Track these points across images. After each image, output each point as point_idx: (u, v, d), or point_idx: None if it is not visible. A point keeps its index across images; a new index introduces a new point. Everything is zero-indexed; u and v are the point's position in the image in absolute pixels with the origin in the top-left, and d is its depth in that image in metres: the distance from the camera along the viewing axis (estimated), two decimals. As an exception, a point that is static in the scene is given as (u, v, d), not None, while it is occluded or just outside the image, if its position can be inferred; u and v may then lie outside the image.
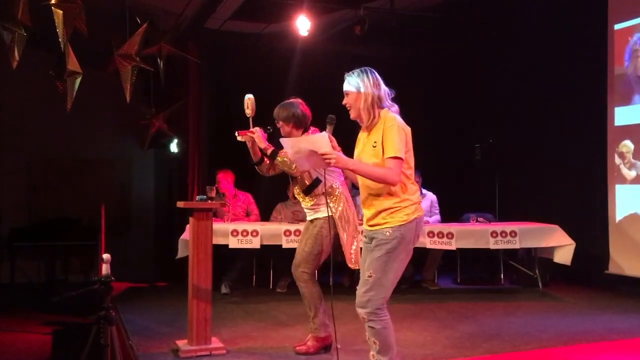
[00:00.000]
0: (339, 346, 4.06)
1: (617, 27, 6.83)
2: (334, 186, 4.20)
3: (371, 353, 3.17)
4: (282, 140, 3.30)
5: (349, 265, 4.21)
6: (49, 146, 7.96)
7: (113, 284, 3.01)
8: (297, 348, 4.30)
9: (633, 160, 6.65)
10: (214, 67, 7.92)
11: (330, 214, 4.14)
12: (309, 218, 4.36)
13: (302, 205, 4.39)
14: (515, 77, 8.23)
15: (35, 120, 7.75)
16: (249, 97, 4.27)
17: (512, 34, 8.07)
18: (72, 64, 5.58)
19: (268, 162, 4.35)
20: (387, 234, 3.09)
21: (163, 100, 7.45)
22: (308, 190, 4.23)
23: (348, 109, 3.24)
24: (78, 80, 5.71)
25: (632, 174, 6.65)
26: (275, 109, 4.29)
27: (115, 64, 6.35)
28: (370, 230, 3.20)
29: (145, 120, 7.38)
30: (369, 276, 3.10)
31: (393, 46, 7.89)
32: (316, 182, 4.18)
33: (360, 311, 3.12)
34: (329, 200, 4.17)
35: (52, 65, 5.82)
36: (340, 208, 4.18)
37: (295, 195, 4.41)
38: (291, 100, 4.32)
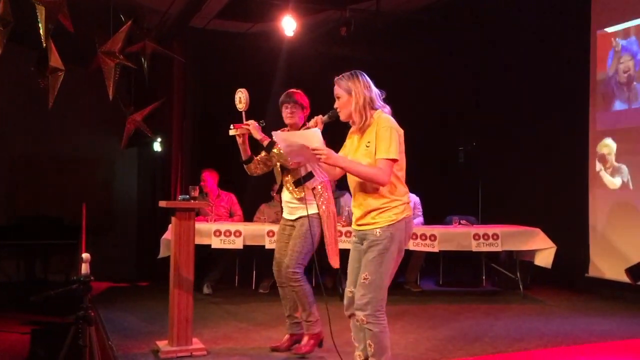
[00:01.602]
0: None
1: (599, 32, 6.90)
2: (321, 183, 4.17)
3: (356, 353, 3.16)
4: (275, 134, 3.30)
5: (331, 263, 4.19)
6: (30, 143, 7.87)
7: (94, 283, 2.98)
8: (297, 351, 4.20)
9: (616, 164, 6.71)
10: (199, 66, 7.88)
11: (316, 210, 4.12)
12: (292, 216, 4.25)
13: (286, 199, 4.26)
14: (499, 81, 8.29)
15: (16, 117, 7.65)
16: (241, 91, 4.19)
17: (497, 38, 8.13)
18: (55, 60, 5.54)
19: (258, 158, 4.29)
20: (377, 233, 3.10)
21: (146, 99, 7.39)
22: (299, 182, 4.14)
23: (339, 111, 3.24)
24: (60, 77, 5.67)
25: (616, 181, 6.68)
26: (286, 97, 4.22)
27: (99, 62, 6.29)
28: (360, 231, 3.20)
29: (124, 118, 7.32)
30: (365, 279, 3.09)
31: (378, 47, 7.91)
32: (310, 176, 4.10)
33: (359, 314, 3.10)
34: (316, 197, 4.13)
35: (33, 61, 5.76)
36: (324, 207, 4.15)
37: (285, 186, 4.26)
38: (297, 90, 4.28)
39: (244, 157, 4.28)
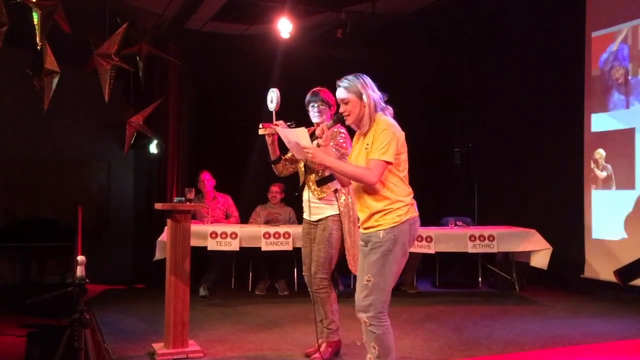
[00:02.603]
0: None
1: (594, 34, 6.93)
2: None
3: (368, 356, 3.16)
4: (278, 129, 3.46)
5: (351, 269, 4.10)
6: (26, 146, 7.84)
7: (90, 285, 2.98)
8: (313, 357, 4.15)
9: (604, 164, 6.79)
10: (195, 68, 7.87)
11: (337, 212, 4.08)
12: (312, 217, 4.19)
13: (306, 198, 4.17)
14: (495, 83, 8.30)
15: (12, 119, 7.63)
16: (273, 91, 4.12)
17: (493, 40, 8.14)
18: (50, 62, 5.51)
19: (286, 157, 4.24)
20: (381, 235, 3.10)
21: (143, 101, 7.38)
22: (321, 182, 4.09)
23: (346, 115, 3.22)
24: (56, 80, 5.65)
25: (602, 174, 6.76)
26: (313, 95, 4.15)
27: (94, 64, 6.28)
28: (365, 233, 3.20)
29: (124, 121, 7.30)
30: (368, 280, 3.10)
31: (374, 49, 7.91)
32: (333, 177, 4.02)
33: (362, 315, 3.11)
34: (337, 199, 4.10)
35: (29, 63, 5.74)
36: (344, 208, 4.10)
37: (307, 185, 4.18)
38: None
39: (272, 157, 4.23)
